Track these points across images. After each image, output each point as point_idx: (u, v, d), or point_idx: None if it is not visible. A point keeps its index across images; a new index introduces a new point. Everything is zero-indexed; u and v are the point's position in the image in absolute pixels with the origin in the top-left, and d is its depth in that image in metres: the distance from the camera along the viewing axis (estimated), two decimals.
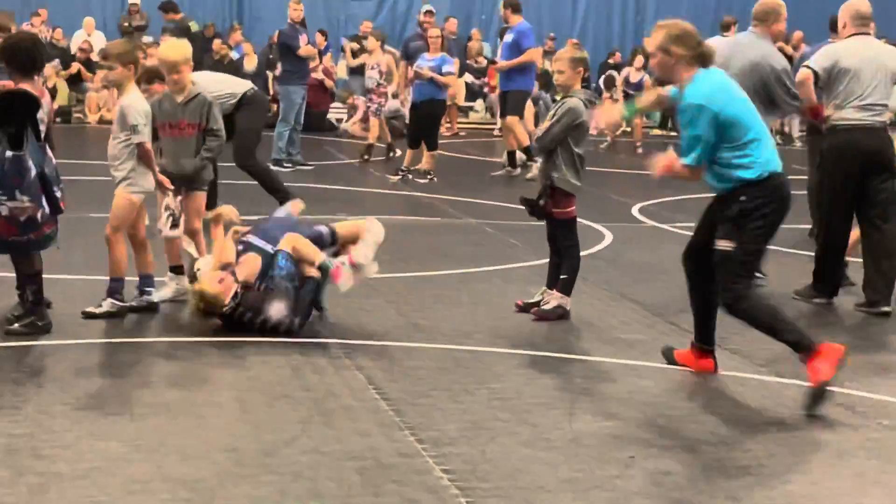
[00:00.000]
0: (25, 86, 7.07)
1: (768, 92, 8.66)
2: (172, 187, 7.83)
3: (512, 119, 15.96)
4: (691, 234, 6.84)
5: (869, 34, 8.82)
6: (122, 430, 5.46)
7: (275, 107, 18.82)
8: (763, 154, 6.39)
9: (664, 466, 5.21)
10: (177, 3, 21.89)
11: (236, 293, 7.18)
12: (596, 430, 5.71)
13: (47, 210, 6.94)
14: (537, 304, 8.03)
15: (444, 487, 4.86)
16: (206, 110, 8.10)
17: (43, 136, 7.07)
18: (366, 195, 14.04)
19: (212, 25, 24.40)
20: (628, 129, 21.10)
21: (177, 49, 8.27)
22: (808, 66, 8.72)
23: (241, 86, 11.27)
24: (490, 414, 5.90)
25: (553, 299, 7.98)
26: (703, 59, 6.41)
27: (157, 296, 7.85)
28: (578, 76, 8.04)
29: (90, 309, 7.56)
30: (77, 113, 22.61)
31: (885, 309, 8.51)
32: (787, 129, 23.22)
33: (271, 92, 21.05)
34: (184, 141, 8.06)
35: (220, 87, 10.72)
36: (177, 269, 8.13)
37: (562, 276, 8.03)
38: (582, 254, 8.34)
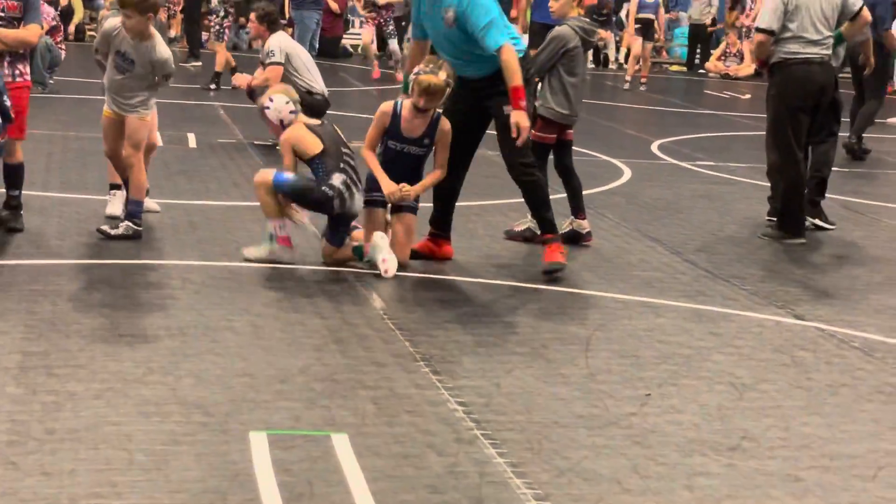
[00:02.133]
0: None
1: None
2: None
3: None
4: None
5: None
6: (136, 351, 5.49)
7: (289, 31, 18.73)
8: (514, 30, 7.28)
9: (680, 405, 5.23)
10: None
11: None
12: (612, 366, 5.73)
13: None
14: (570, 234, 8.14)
15: (458, 419, 4.89)
16: (160, 30, 8.36)
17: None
18: None
19: None
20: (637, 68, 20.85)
21: None
22: (762, 29, 8.70)
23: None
24: (506, 348, 5.92)
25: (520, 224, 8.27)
26: None
27: (109, 209, 8.11)
28: (574, 3, 8.02)
29: (105, 228, 7.59)
30: (91, 31, 22.50)
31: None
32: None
33: (287, 16, 20.92)
34: None
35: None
36: (117, 186, 8.24)
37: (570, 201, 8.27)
38: (600, 189, 8.35)
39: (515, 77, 6.92)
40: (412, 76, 7.15)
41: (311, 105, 11.73)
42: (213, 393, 5.00)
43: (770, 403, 5.36)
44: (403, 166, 7.30)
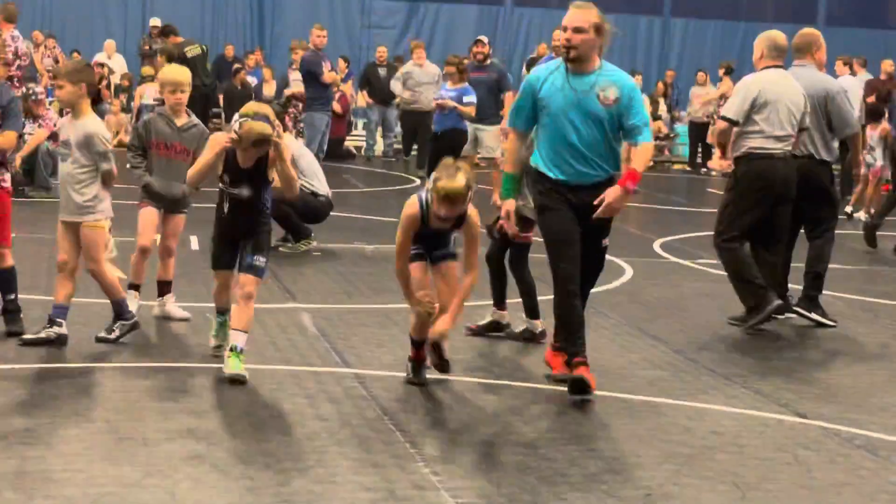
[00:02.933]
0: None
1: (828, 119, 9.19)
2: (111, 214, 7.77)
3: None
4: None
5: (782, 66, 9.16)
6: (135, 455, 5.49)
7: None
8: None
9: None
10: (177, 27, 21.24)
11: None
12: (614, 466, 5.71)
13: None
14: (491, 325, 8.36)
15: None
16: (202, 140, 8.23)
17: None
18: (384, 224, 14.07)
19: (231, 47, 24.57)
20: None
21: (181, 71, 8.63)
22: (728, 119, 9.03)
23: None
24: (506, 448, 5.91)
25: (522, 324, 8.29)
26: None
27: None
28: None
29: (103, 335, 7.59)
30: None
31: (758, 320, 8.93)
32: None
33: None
34: (176, 164, 8.27)
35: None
36: (136, 286, 8.30)
37: (524, 301, 8.27)
38: (602, 289, 8.37)
39: (641, 166, 6.77)
40: (429, 184, 6.70)
41: (315, 207, 11.85)
42: (211, 496, 4.99)
43: (773, 503, 5.33)
44: (429, 240, 6.83)
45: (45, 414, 6.07)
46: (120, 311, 7.65)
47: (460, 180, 6.49)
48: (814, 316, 9.29)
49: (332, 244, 12.05)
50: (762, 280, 8.95)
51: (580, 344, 6.88)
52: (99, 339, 7.57)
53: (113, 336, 7.58)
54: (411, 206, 6.73)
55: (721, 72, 23.51)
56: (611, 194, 6.74)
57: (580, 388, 6.76)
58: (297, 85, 18.02)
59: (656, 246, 13.37)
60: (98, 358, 7.27)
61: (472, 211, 6.73)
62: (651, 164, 21.06)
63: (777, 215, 9.04)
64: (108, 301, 7.73)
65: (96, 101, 25.29)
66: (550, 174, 6.92)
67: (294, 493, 5.09)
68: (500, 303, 8.37)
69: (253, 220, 7.08)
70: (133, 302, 8.17)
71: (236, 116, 6.83)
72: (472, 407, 6.67)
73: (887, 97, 16.72)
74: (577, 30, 6.75)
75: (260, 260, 7.03)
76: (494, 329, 8.34)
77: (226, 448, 5.67)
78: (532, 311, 8.26)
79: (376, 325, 8.45)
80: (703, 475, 5.65)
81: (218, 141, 6.99)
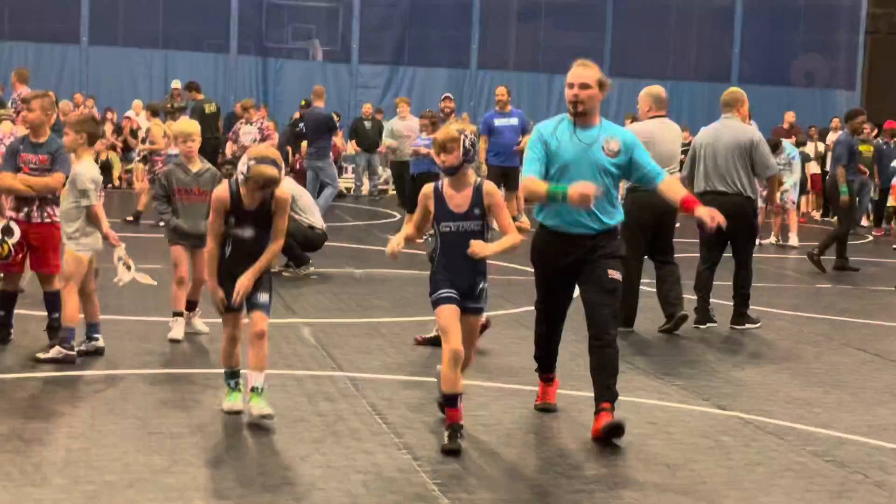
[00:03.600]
0: None
1: (752, 163, 9.50)
2: (120, 242, 7.59)
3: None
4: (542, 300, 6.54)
5: (665, 115, 9.43)
6: (163, 445, 5.50)
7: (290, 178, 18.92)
8: None
9: (622, 483, 5.26)
10: (200, 84, 20.93)
11: None
12: (565, 452, 5.77)
13: None
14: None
15: (434, 497, 4.92)
16: (218, 181, 8.19)
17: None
18: (371, 252, 14.10)
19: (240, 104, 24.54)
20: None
21: (190, 123, 8.73)
22: None
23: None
24: (475, 437, 5.94)
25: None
26: None
27: (172, 334, 8.00)
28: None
29: (39, 354, 7.25)
30: (126, 177, 22.74)
31: (682, 313, 9.18)
32: None
33: (289, 163, 21.03)
34: (198, 205, 8.23)
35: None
36: (179, 313, 8.18)
37: None
38: None
39: (683, 190, 6.32)
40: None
41: (313, 238, 11.88)
42: (227, 479, 5.02)
43: (698, 480, 5.39)
44: (465, 248, 5.89)
45: (86, 412, 6.08)
46: (65, 337, 7.24)
47: (455, 125, 6.02)
48: (747, 326, 9.63)
49: (327, 269, 12.07)
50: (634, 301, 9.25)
51: (549, 367, 6.66)
52: (37, 359, 7.18)
53: (46, 356, 7.18)
54: (427, 187, 6.19)
55: (628, 122, 23.59)
56: (702, 212, 6.08)
57: (615, 432, 6.05)
58: (246, 138, 17.47)
59: None
60: (131, 366, 7.27)
61: (486, 182, 6.13)
62: None
63: (659, 237, 9.32)
64: (160, 319, 7.60)
65: (126, 150, 25.09)
66: (551, 223, 6.27)
67: (297, 476, 5.13)
68: None
69: (254, 262, 6.19)
70: (179, 327, 8.12)
71: (244, 158, 6.23)
72: None
73: (777, 145, 16.95)
74: (584, 86, 6.23)
75: (265, 297, 6.23)
76: (439, 344, 8.16)
77: (240, 440, 5.69)
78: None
79: (365, 336, 8.48)
80: (640, 458, 5.71)
81: (220, 200, 6.19)
